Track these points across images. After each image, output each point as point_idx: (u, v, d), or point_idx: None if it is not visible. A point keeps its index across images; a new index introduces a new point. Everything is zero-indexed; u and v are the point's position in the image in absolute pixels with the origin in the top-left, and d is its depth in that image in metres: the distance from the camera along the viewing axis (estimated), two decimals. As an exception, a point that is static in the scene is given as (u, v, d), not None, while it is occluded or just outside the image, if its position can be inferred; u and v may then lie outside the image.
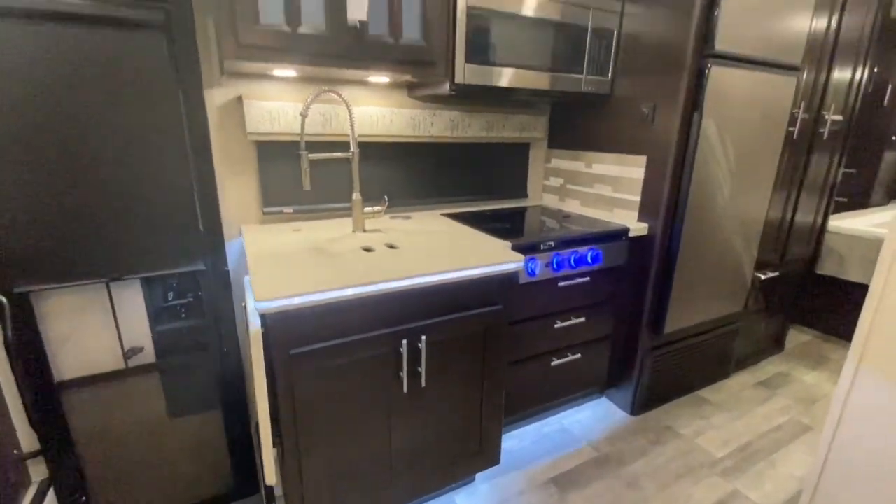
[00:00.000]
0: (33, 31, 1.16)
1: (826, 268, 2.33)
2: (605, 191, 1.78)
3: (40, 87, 1.20)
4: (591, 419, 1.78)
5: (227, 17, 1.08)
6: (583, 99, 1.76)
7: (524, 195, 2.06)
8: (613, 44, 1.63)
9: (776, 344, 2.33)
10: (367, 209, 1.45)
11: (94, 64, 1.22)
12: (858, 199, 2.83)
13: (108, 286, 1.39)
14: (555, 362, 1.57)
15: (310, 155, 1.28)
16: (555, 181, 2.04)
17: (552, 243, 1.43)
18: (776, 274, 2.02)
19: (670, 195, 1.54)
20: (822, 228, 2.23)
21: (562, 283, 1.47)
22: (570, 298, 1.53)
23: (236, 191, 1.48)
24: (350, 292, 0.97)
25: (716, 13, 1.38)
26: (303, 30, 1.14)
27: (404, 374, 1.10)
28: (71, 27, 1.20)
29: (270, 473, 1.00)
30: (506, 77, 1.44)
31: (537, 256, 1.39)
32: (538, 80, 1.50)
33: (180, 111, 1.34)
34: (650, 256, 1.62)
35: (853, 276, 2.25)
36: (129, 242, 1.38)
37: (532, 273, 1.38)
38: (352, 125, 1.33)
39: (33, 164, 1.22)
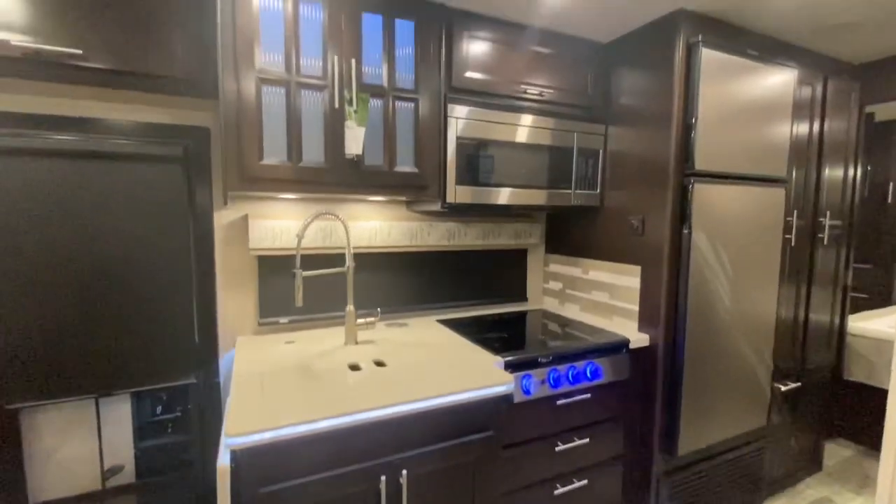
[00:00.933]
0: (76, 167, 1.30)
1: (855, 374, 2.18)
2: (603, 297, 1.76)
3: (70, 212, 1.31)
4: (606, 556, 1.58)
5: (233, 154, 1.19)
6: (574, 210, 1.83)
7: (523, 299, 2.05)
8: (600, 161, 1.73)
9: (813, 462, 2.10)
10: (360, 321, 1.46)
11: (118, 193, 1.35)
12: (881, 295, 2.73)
13: (96, 401, 1.38)
14: (559, 490, 1.44)
15: (304, 272, 1.33)
16: (554, 285, 2.04)
17: (549, 357, 1.39)
18: (798, 384, 1.89)
19: (668, 305, 1.52)
20: (842, 330, 2.12)
21: (561, 401, 1.40)
22: (571, 417, 1.45)
23: (234, 301, 1.52)
24: (324, 424, 0.94)
25: (692, 135, 1.46)
26: (303, 164, 1.25)
27: (383, 514, 1.01)
28: (105, 163, 1.34)
29: None
30: (496, 195, 1.52)
31: (532, 373, 1.34)
32: (529, 197, 1.58)
33: (189, 233, 1.43)
34: (654, 369, 1.54)
35: (885, 382, 2.08)
36: (125, 355, 1.40)
37: (527, 391, 1.32)
38: (348, 242, 1.39)
39: (31, 284, 1.29)
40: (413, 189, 1.42)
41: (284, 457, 0.94)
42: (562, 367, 1.40)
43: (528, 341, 1.52)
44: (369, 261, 1.70)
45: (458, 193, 1.45)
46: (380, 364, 1.27)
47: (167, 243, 1.42)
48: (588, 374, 1.43)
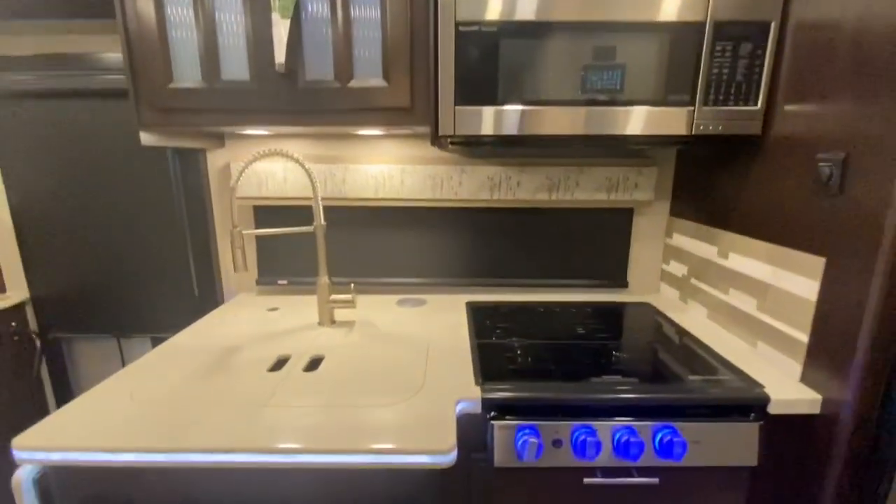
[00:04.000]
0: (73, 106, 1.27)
1: None
2: (748, 304, 0.99)
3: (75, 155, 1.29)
4: None
5: (140, 78, 0.93)
6: (715, 146, 1.05)
7: (621, 284, 1.37)
8: (769, 46, 0.89)
9: None
10: (335, 297, 1.12)
11: (108, 131, 1.28)
12: None
13: (118, 341, 1.42)
14: None
15: (257, 231, 1.04)
16: (677, 268, 1.29)
17: (575, 404, 0.80)
18: None
19: (880, 340, 0.71)
20: None
21: (591, 480, 0.82)
22: None
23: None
24: (128, 458, 0.66)
25: None
26: (222, 84, 0.92)
27: None
28: (92, 101, 1.26)
29: None
30: (530, 120, 0.91)
31: (539, 426, 0.79)
32: (593, 122, 0.91)
33: (177, 178, 1.29)
34: (825, 459, 0.78)
35: None
36: (137, 305, 1.40)
37: (522, 455, 0.79)
38: (314, 192, 1.04)
39: (65, 237, 1.35)
40: (384, 115, 0.94)
41: (113, 482, 0.71)
42: (603, 426, 0.80)
43: (570, 361, 0.93)
44: (378, 218, 1.31)
45: (459, 120, 0.91)
46: (313, 366, 0.92)
47: (156, 191, 1.31)
48: (657, 445, 0.79)
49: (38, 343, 1.39)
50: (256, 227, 1.32)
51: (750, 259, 0.98)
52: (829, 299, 0.78)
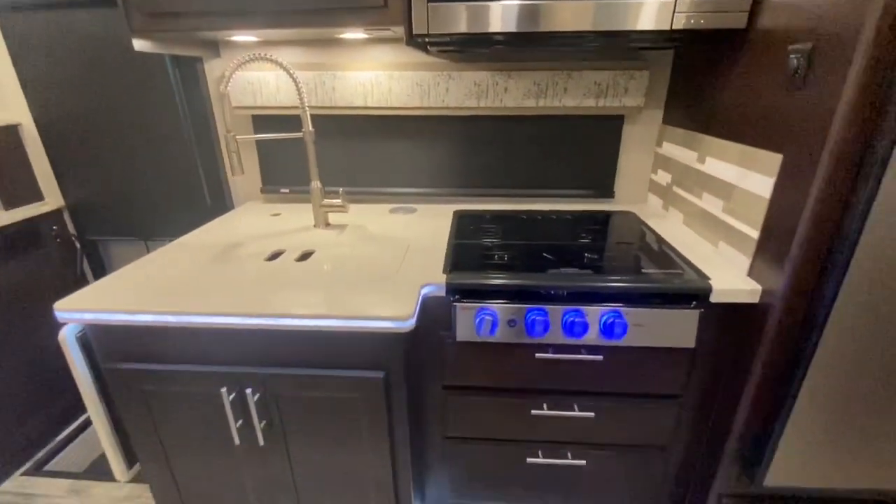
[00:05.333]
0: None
1: None
2: (715, 207, 1.02)
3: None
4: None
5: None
6: (701, 43, 1.02)
7: (608, 194, 1.40)
8: (762, -76, 0.83)
9: None
10: (328, 201, 1.21)
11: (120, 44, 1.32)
12: None
13: (146, 244, 1.59)
14: (534, 460, 1.06)
15: (249, 137, 1.11)
16: (663, 177, 1.31)
17: (529, 289, 0.89)
18: None
19: (817, 234, 0.75)
20: None
21: (540, 355, 0.93)
22: (566, 379, 0.97)
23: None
24: (169, 319, 0.80)
25: None
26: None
27: (232, 425, 0.89)
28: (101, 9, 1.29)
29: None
30: (503, 16, 0.90)
31: (495, 308, 0.89)
32: (567, 18, 0.90)
33: (172, 83, 1.35)
34: (757, 340, 0.86)
35: None
36: (158, 212, 1.54)
37: (479, 330, 0.90)
38: (300, 95, 1.09)
39: (87, 149, 1.47)
40: (360, 14, 0.95)
41: (138, 339, 0.87)
42: (554, 309, 0.89)
43: (538, 258, 1.01)
44: (369, 127, 1.35)
45: (433, 17, 0.91)
46: (304, 258, 1.03)
47: (165, 101, 1.38)
48: (601, 327, 0.89)
49: (77, 244, 1.57)
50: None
51: (723, 162, 0.99)
52: (780, 197, 0.81)
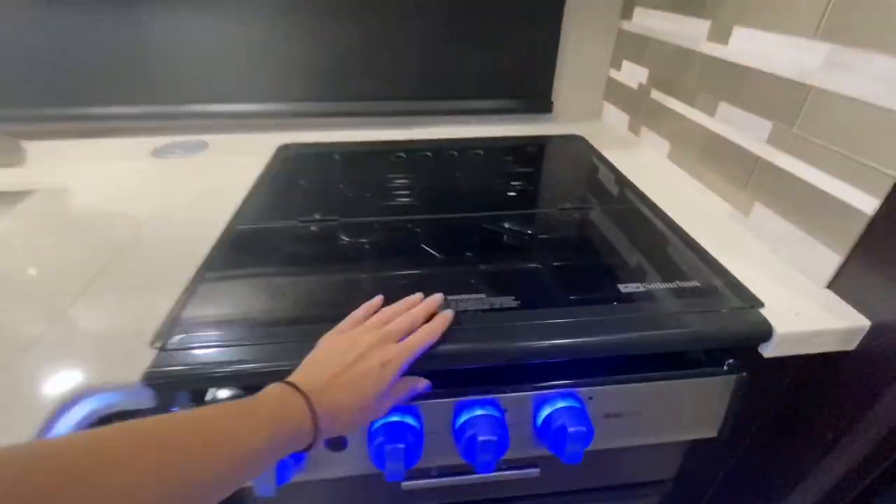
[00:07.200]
0: None
1: None
2: (751, 129, 0.51)
3: None
4: None
5: None
6: None
7: (543, 108, 0.84)
8: None
9: None
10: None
11: None
12: None
13: None
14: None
15: None
16: (632, 73, 0.76)
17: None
18: None
19: None
20: None
21: (412, 485, 0.44)
22: None
23: None
24: None
25: None
26: None
27: None
28: None
29: None
30: None
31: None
32: None
33: None
34: (847, 423, 0.42)
35: None
36: None
37: (283, 478, 0.37)
38: None
39: None
40: None
41: None
42: (436, 406, 0.37)
43: (412, 259, 0.46)
44: None
45: None
46: None
47: None
48: (539, 431, 0.39)
49: None
50: None
51: (774, 36, 0.47)
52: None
